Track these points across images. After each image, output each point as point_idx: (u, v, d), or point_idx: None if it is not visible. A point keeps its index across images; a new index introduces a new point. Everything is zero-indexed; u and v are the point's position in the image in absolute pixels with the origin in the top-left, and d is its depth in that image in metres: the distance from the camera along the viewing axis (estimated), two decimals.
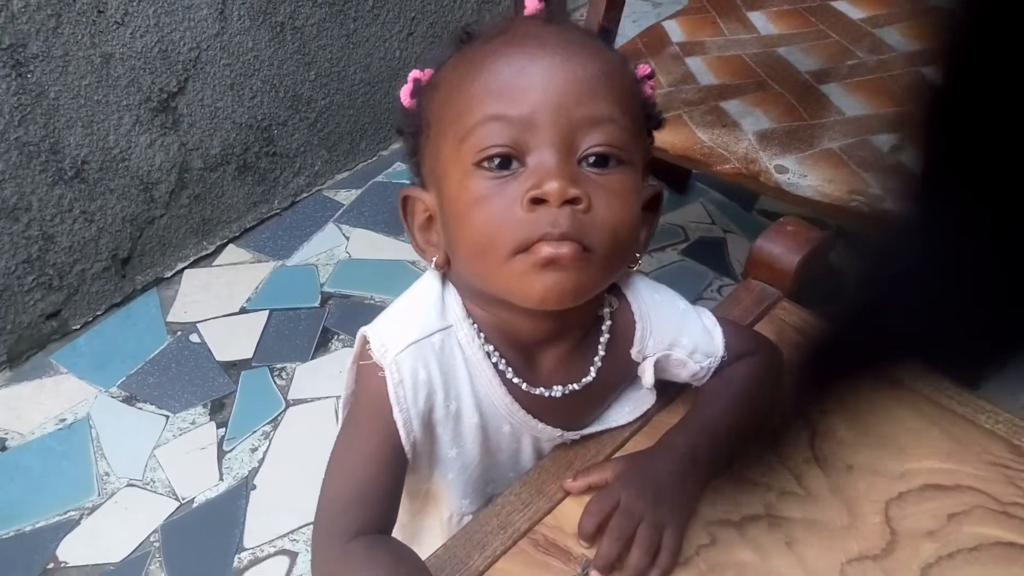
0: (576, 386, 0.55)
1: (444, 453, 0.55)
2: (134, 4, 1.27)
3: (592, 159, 0.47)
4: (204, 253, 1.56)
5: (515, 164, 0.47)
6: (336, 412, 1.29)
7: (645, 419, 0.60)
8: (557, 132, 0.46)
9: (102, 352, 1.39)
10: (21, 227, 1.27)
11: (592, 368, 0.55)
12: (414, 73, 0.54)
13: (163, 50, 1.34)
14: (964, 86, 0.32)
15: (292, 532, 1.13)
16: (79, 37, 1.23)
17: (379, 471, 0.50)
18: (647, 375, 0.57)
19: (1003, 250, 0.33)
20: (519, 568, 0.51)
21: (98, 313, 1.44)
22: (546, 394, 0.54)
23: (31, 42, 1.18)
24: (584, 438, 0.59)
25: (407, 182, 2.04)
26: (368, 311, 1.46)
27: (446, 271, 0.54)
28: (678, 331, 0.56)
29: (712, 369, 0.57)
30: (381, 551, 0.48)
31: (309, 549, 1.10)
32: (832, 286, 0.52)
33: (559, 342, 0.54)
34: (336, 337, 1.41)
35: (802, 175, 0.99)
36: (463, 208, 0.48)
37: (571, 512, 0.54)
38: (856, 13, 1.28)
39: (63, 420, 1.28)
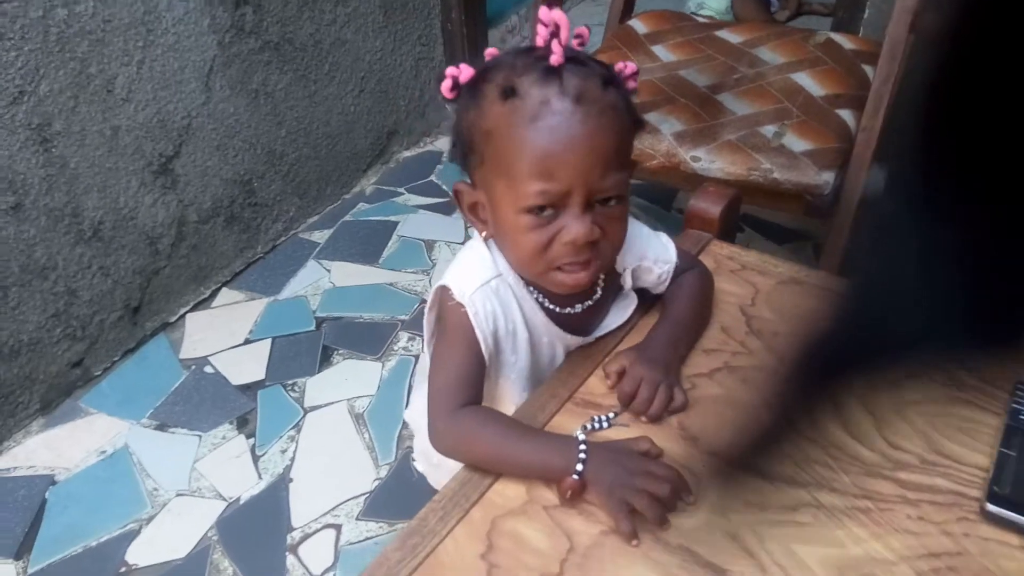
0: (590, 302, 0.79)
1: (507, 359, 0.77)
2: (136, 82, 1.47)
3: (603, 201, 0.67)
4: (202, 298, 1.74)
5: (554, 211, 0.66)
6: (350, 412, 1.48)
7: (631, 325, 0.85)
8: (583, 197, 0.65)
9: (125, 392, 1.55)
10: (49, 284, 1.44)
11: (599, 288, 0.79)
12: (450, 70, 0.69)
13: (161, 120, 1.54)
14: (962, 82, 0.32)
15: (333, 509, 1.31)
16: (93, 114, 1.42)
17: (470, 365, 0.72)
18: (627, 281, 0.81)
19: (1001, 246, 0.33)
20: (568, 418, 0.74)
21: (115, 359, 1.60)
22: (569, 311, 0.78)
23: (55, 120, 1.37)
24: (594, 342, 0.83)
25: (372, 219, 2.27)
26: (360, 328, 1.67)
27: (492, 239, 0.76)
28: (645, 246, 0.81)
29: (670, 273, 0.82)
30: (484, 410, 0.70)
31: (350, 520, 1.29)
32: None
33: None
34: (336, 352, 1.61)
35: (711, 161, 1.28)
36: (516, 233, 0.68)
37: (594, 386, 0.78)
38: (735, 38, 1.61)
39: (103, 452, 1.43)
